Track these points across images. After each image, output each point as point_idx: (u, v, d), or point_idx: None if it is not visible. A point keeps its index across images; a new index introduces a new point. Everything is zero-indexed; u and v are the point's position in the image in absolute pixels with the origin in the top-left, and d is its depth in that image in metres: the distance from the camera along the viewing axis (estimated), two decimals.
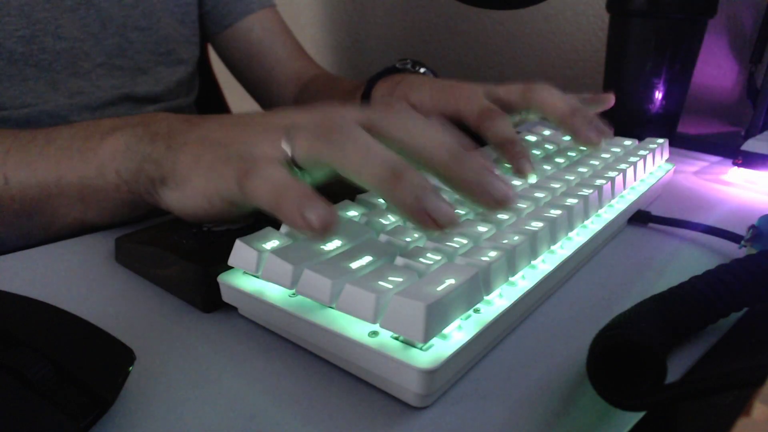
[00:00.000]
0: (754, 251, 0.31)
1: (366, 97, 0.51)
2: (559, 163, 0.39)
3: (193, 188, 0.29)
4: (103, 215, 0.34)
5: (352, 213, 0.30)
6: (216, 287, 0.27)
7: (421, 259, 0.24)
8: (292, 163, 0.27)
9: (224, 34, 0.66)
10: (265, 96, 0.69)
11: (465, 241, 0.26)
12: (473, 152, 0.26)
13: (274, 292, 0.25)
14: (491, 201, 0.25)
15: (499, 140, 0.38)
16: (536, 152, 0.42)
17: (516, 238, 0.27)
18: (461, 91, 0.44)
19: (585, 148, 0.42)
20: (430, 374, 0.20)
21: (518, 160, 0.36)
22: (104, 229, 0.36)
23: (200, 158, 0.29)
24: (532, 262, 0.28)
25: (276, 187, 0.24)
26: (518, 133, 0.46)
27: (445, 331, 0.22)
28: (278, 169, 0.25)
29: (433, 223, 0.23)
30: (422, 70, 0.54)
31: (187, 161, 0.29)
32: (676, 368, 0.24)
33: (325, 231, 0.23)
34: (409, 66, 0.53)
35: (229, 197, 0.28)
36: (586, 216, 0.32)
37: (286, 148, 0.27)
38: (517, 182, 0.35)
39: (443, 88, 0.45)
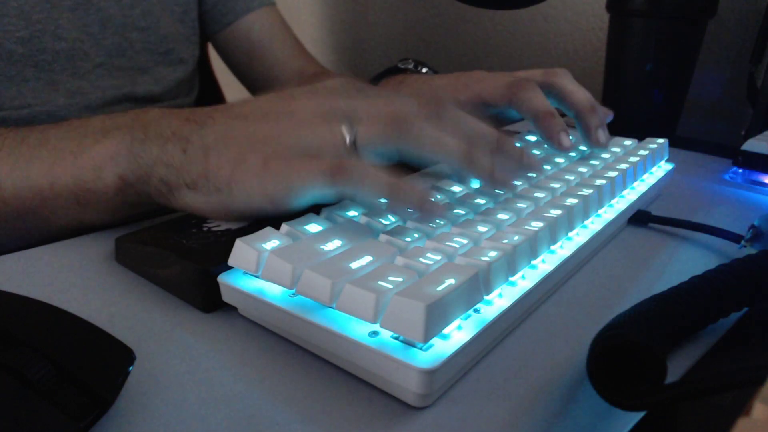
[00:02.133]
0: (754, 251, 0.31)
1: None
2: (559, 163, 0.39)
3: (244, 190, 0.29)
4: (100, 216, 0.34)
5: (352, 213, 0.30)
6: (216, 287, 0.27)
7: (421, 259, 0.24)
8: (353, 153, 0.29)
9: (224, 33, 0.66)
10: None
11: (465, 241, 0.26)
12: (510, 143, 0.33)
13: (274, 292, 0.25)
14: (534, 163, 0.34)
15: (535, 113, 0.38)
16: (536, 152, 0.42)
17: (516, 238, 0.27)
18: (477, 77, 0.44)
19: (585, 148, 0.42)
20: (430, 374, 0.20)
21: (558, 134, 0.37)
22: (104, 228, 0.36)
23: (242, 160, 0.29)
24: (532, 262, 0.28)
25: (388, 182, 0.27)
26: (516, 133, 0.46)
27: (445, 331, 0.22)
28: (371, 166, 0.27)
29: (509, 184, 0.32)
30: (424, 70, 0.54)
31: (225, 164, 0.29)
32: (676, 368, 0.24)
33: (441, 212, 0.28)
34: (411, 66, 0.53)
35: (306, 192, 0.28)
36: (586, 216, 0.32)
37: (349, 137, 0.28)
38: (517, 182, 0.35)
39: (456, 78, 0.45)
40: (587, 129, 0.41)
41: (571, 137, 0.41)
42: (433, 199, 0.28)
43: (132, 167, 0.31)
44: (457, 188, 0.33)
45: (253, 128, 0.30)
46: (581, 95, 0.41)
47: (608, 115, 0.44)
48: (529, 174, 0.35)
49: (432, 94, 0.46)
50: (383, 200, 0.28)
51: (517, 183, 0.33)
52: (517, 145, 0.39)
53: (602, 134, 0.41)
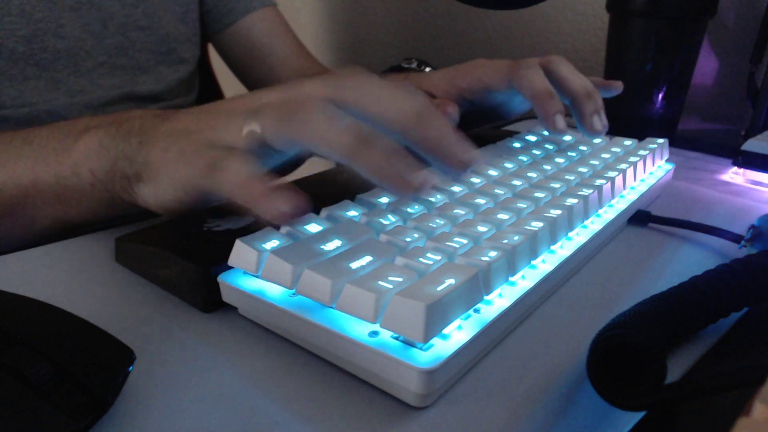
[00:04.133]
0: (754, 251, 0.31)
1: None
2: (559, 163, 0.39)
3: (166, 180, 0.29)
4: (82, 214, 0.34)
5: (352, 213, 0.30)
6: (216, 287, 0.27)
7: (421, 259, 0.24)
8: (265, 145, 0.27)
9: (225, 33, 0.66)
10: None
11: (465, 241, 0.26)
12: (437, 112, 0.26)
13: (274, 292, 0.25)
14: (455, 160, 0.25)
15: (534, 92, 0.38)
16: (536, 152, 0.42)
17: (516, 238, 0.27)
18: (476, 64, 0.44)
19: (599, 139, 0.42)
20: (430, 374, 0.20)
21: (553, 114, 0.37)
22: (104, 228, 0.36)
23: (169, 149, 0.29)
24: (532, 262, 0.28)
25: (241, 182, 0.25)
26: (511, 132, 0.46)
27: (445, 331, 0.22)
28: (242, 162, 0.25)
29: (408, 185, 0.23)
30: (427, 69, 0.54)
31: (158, 153, 0.29)
32: (676, 368, 0.24)
33: (294, 216, 0.24)
34: (414, 65, 0.53)
35: (200, 187, 0.28)
36: (586, 216, 0.32)
37: (251, 130, 0.26)
38: (517, 182, 0.35)
39: (456, 68, 0.45)
40: (582, 115, 0.40)
41: (569, 137, 0.41)
42: (278, 197, 0.23)
43: (101, 162, 0.31)
44: (457, 188, 0.33)
45: (190, 121, 0.30)
46: (577, 81, 0.41)
47: (614, 89, 0.44)
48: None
49: (428, 86, 0.46)
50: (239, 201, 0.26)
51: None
52: (508, 166, 0.37)
53: (597, 121, 0.40)
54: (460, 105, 0.44)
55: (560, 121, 0.37)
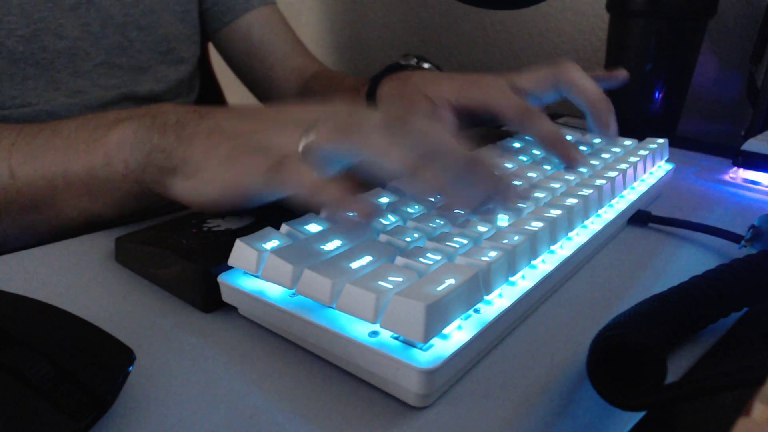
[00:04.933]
0: (754, 251, 0.31)
1: (371, 95, 0.50)
2: (559, 163, 0.39)
3: (208, 178, 0.30)
4: (110, 207, 0.35)
5: (352, 213, 0.30)
6: (216, 287, 0.27)
7: (421, 259, 0.24)
8: (317, 157, 0.28)
9: (225, 32, 0.66)
10: (266, 93, 0.69)
11: (465, 241, 0.26)
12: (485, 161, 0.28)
13: (274, 292, 0.25)
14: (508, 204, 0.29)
15: (548, 141, 0.40)
16: (536, 152, 0.42)
17: (516, 238, 0.27)
18: (486, 85, 0.44)
19: (598, 139, 0.44)
20: (430, 374, 0.20)
21: (573, 156, 0.39)
22: (105, 228, 0.36)
23: (215, 148, 0.30)
24: (532, 262, 0.28)
25: (312, 181, 0.26)
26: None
27: (445, 331, 0.22)
28: (307, 167, 0.26)
29: (470, 205, 0.27)
30: (426, 65, 0.54)
31: (201, 151, 0.30)
32: (676, 368, 0.24)
33: (367, 219, 0.24)
34: (413, 62, 0.53)
35: (250, 187, 0.28)
36: (586, 216, 0.32)
37: (305, 140, 0.28)
38: (517, 182, 0.35)
39: (464, 81, 0.45)
40: (596, 119, 0.42)
41: (569, 137, 0.42)
42: (359, 201, 0.24)
43: (135, 153, 0.32)
44: None
45: (236, 124, 0.31)
46: (590, 88, 0.42)
47: (619, 78, 0.46)
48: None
49: (433, 94, 0.46)
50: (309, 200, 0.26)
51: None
52: (508, 166, 0.38)
53: (613, 124, 0.42)
54: (462, 117, 0.45)
55: (580, 156, 0.39)
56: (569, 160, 0.39)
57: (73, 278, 0.30)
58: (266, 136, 0.30)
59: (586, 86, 0.42)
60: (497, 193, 0.27)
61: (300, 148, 0.28)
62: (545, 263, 0.28)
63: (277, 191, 0.28)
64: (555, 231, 0.29)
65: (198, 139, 0.30)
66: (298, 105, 0.32)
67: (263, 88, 0.69)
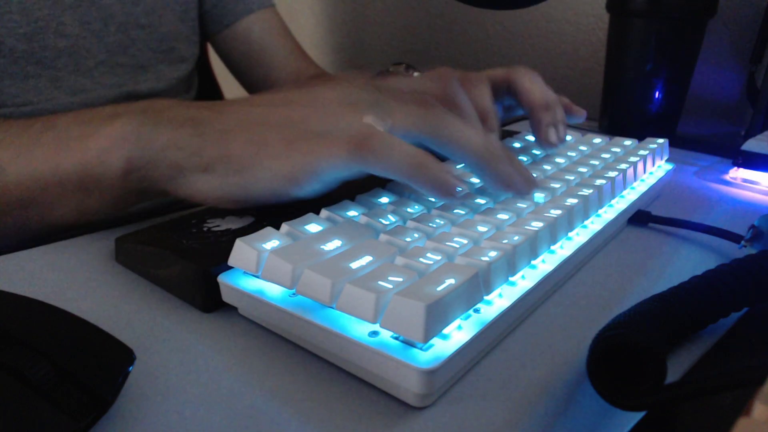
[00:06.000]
0: (754, 251, 0.31)
1: None
2: (559, 163, 0.39)
3: (265, 172, 0.29)
4: (103, 204, 0.33)
5: (352, 213, 0.30)
6: (216, 287, 0.27)
7: (421, 259, 0.24)
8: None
9: (224, 34, 0.66)
10: None
11: (465, 241, 0.26)
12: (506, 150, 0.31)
13: (274, 292, 0.25)
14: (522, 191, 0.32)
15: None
16: (536, 152, 0.42)
17: (516, 238, 0.27)
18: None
19: (599, 139, 0.43)
20: (430, 374, 0.20)
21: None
22: (104, 228, 0.36)
23: (265, 142, 0.29)
24: (532, 262, 0.28)
25: (414, 158, 0.27)
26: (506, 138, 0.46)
27: (445, 331, 0.22)
28: (399, 140, 0.27)
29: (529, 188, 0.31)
30: (416, 74, 0.54)
31: (247, 146, 0.29)
32: (676, 368, 0.24)
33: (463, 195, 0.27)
34: (402, 70, 0.54)
35: (330, 169, 0.28)
36: (586, 216, 0.32)
37: (376, 121, 0.28)
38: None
39: (428, 77, 0.45)
40: (536, 127, 0.40)
41: (570, 137, 0.41)
42: (456, 184, 0.27)
43: (140, 150, 0.31)
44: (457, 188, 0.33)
45: (274, 113, 0.30)
46: (535, 92, 0.41)
47: (579, 116, 0.45)
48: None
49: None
50: (407, 178, 0.27)
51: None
52: (535, 152, 0.40)
53: (553, 133, 0.40)
54: None
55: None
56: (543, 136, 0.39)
57: (73, 278, 0.30)
58: (327, 122, 0.29)
59: (530, 90, 0.41)
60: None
61: (369, 128, 0.28)
62: (545, 263, 0.28)
63: (366, 167, 0.27)
64: (555, 231, 0.29)
65: (234, 134, 0.29)
66: (323, 87, 0.32)
67: (261, 91, 0.69)
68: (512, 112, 0.47)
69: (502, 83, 0.42)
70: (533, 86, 0.41)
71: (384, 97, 0.30)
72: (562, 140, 0.41)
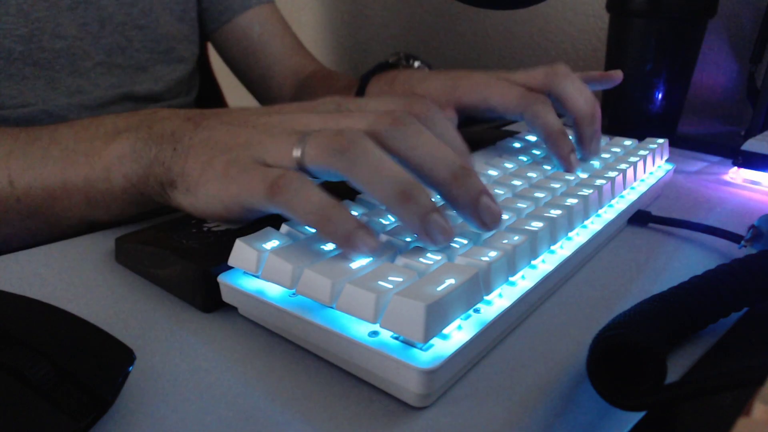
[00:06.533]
0: (754, 251, 0.31)
1: (360, 95, 0.50)
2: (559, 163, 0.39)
3: (206, 194, 0.29)
4: (110, 215, 0.35)
5: (352, 213, 0.30)
6: (216, 287, 0.27)
7: (421, 259, 0.24)
8: (306, 170, 0.27)
9: (223, 30, 0.66)
10: (264, 92, 0.69)
11: (465, 241, 0.26)
12: (472, 172, 0.27)
13: (274, 292, 0.25)
14: (481, 224, 0.27)
15: (548, 132, 0.38)
16: (536, 152, 0.42)
17: (516, 238, 0.27)
18: (480, 78, 0.43)
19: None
20: (430, 374, 0.20)
21: (568, 155, 0.38)
22: (104, 228, 0.36)
23: (210, 163, 0.29)
24: (532, 262, 0.28)
25: (318, 209, 0.25)
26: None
27: (445, 331, 0.22)
28: (309, 186, 0.26)
29: (442, 240, 0.25)
30: (416, 63, 0.53)
31: (197, 166, 0.29)
32: (676, 368, 0.24)
33: (371, 253, 0.25)
34: (402, 60, 0.53)
35: (251, 205, 0.28)
36: (586, 216, 0.32)
37: (297, 154, 0.27)
38: (517, 182, 0.35)
39: (455, 78, 0.44)
40: (582, 138, 0.40)
41: (570, 136, 0.41)
42: (363, 234, 0.24)
43: (134, 167, 0.32)
44: None
45: (229, 134, 0.30)
46: (581, 102, 0.40)
47: (614, 79, 0.45)
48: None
49: (428, 93, 0.45)
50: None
51: (462, 241, 0.27)
52: (508, 166, 0.38)
53: (595, 145, 0.41)
54: (459, 114, 0.44)
55: (575, 162, 0.38)
56: (564, 162, 0.38)
57: (73, 278, 0.30)
58: (260, 148, 0.28)
59: (576, 99, 0.40)
60: (477, 211, 0.27)
61: (295, 163, 0.27)
62: (545, 263, 0.28)
63: (274, 209, 0.27)
64: (555, 231, 0.29)
65: (193, 153, 0.30)
66: (292, 108, 0.32)
67: (261, 88, 0.69)
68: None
69: (544, 80, 0.41)
70: (578, 94, 0.41)
71: (314, 121, 0.29)
72: (599, 150, 0.41)
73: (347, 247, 0.24)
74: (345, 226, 0.24)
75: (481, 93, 0.42)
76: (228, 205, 0.29)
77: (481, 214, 0.27)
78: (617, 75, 0.45)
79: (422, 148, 0.27)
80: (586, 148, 0.40)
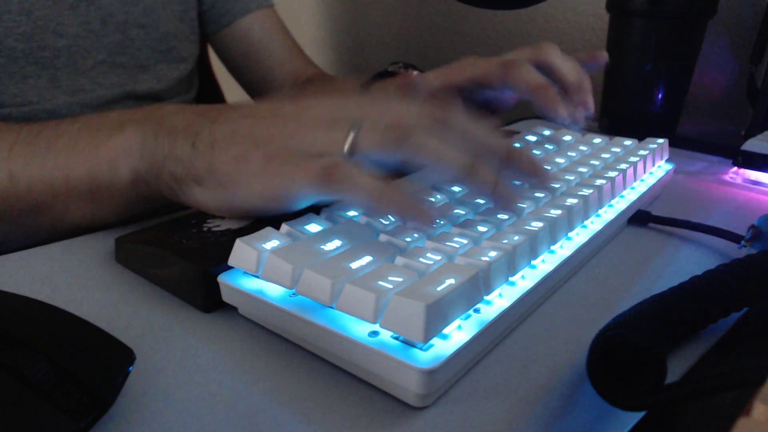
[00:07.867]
0: (754, 251, 0.31)
1: None
2: (559, 163, 0.39)
3: (243, 191, 0.29)
4: (113, 211, 0.34)
5: (352, 213, 0.30)
6: (216, 287, 0.27)
7: (421, 259, 0.24)
8: (361, 156, 0.28)
9: (222, 33, 0.66)
10: (263, 95, 0.69)
11: (465, 241, 0.26)
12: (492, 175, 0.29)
13: (274, 292, 0.25)
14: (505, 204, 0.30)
15: (531, 87, 0.39)
16: (536, 152, 0.42)
17: (516, 238, 0.27)
18: (467, 61, 0.45)
19: (599, 139, 0.43)
20: (430, 374, 0.20)
21: (556, 104, 0.39)
22: (104, 228, 0.36)
23: (244, 157, 0.29)
24: (532, 262, 0.28)
25: (376, 188, 0.26)
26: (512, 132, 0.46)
27: (445, 331, 0.22)
28: (360, 170, 0.26)
29: (513, 201, 0.30)
30: (415, 72, 0.54)
31: (228, 160, 0.29)
32: (676, 368, 0.24)
33: (430, 225, 0.27)
34: (401, 69, 0.54)
35: (298, 197, 0.28)
36: (586, 216, 0.32)
37: (348, 141, 0.27)
38: (517, 182, 0.35)
39: (446, 66, 0.46)
40: (574, 99, 0.42)
41: (569, 137, 0.41)
42: (421, 206, 0.26)
43: (144, 161, 0.31)
44: (457, 188, 0.33)
45: (259, 127, 0.30)
46: (568, 69, 0.42)
47: (600, 60, 0.46)
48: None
49: (424, 84, 0.46)
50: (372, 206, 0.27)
51: (523, 205, 0.30)
52: (535, 153, 0.39)
53: (579, 114, 0.42)
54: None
55: (562, 109, 0.39)
56: (551, 110, 0.38)
57: (73, 278, 0.30)
58: (302, 140, 0.29)
59: (562, 67, 0.42)
60: (533, 183, 0.31)
61: (346, 150, 0.27)
62: (545, 263, 0.28)
63: (329, 196, 0.28)
64: (555, 231, 0.29)
65: (218, 148, 0.29)
66: (317, 102, 0.32)
67: (260, 90, 0.69)
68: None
69: (532, 57, 0.43)
70: (564, 63, 0.42)
71: (361, 111, 0.30)
72: (591, 111, 0.42)
73: (414, 215, 0.26)
74: (404, 199, 0.26)
75: (467, 71, 0.44)
76: (267, 200, 0.29)
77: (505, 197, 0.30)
78: (602, 56, 0.47)
79: (474, 136, 0.30)
80: (576, 110, 0.41)
